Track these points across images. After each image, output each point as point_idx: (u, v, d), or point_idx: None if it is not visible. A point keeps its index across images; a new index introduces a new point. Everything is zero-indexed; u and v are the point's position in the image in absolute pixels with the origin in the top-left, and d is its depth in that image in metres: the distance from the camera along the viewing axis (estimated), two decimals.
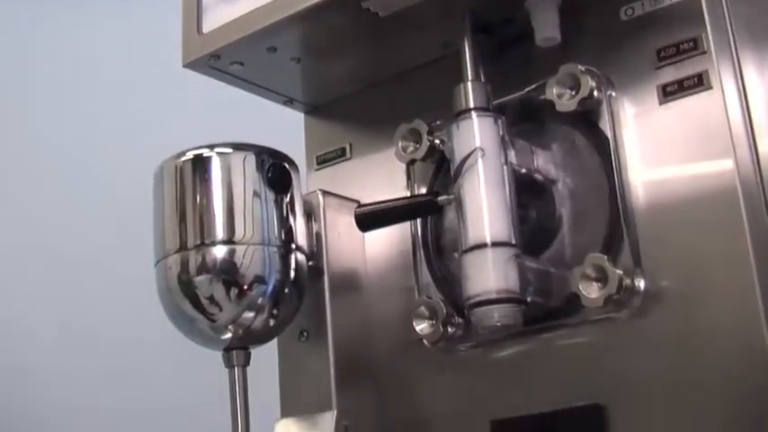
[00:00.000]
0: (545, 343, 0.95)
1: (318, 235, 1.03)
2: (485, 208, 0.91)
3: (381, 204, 0.97)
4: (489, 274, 0.89)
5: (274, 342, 1.03)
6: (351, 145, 1.12)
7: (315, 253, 1.02)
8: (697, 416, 0.87)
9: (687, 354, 0.88)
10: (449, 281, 1.00)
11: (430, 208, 0.95)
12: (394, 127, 1.03)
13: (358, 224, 0.98)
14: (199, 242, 0.94)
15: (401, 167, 1.05)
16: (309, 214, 1.02)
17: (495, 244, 0.90)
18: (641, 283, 0.91)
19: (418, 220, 1.03)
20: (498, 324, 0.90)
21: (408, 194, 1.04)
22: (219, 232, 0.94)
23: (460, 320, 0.98)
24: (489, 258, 0.90)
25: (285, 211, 0.97)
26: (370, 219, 0.97)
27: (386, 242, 1.07)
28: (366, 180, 1.09)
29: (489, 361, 0.99)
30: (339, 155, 1.12)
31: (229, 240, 0.94)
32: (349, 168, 1.12)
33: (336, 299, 1.02)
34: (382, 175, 1.07)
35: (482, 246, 0.90)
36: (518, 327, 0.91)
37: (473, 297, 0.90)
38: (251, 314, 0.94)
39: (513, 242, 0.91)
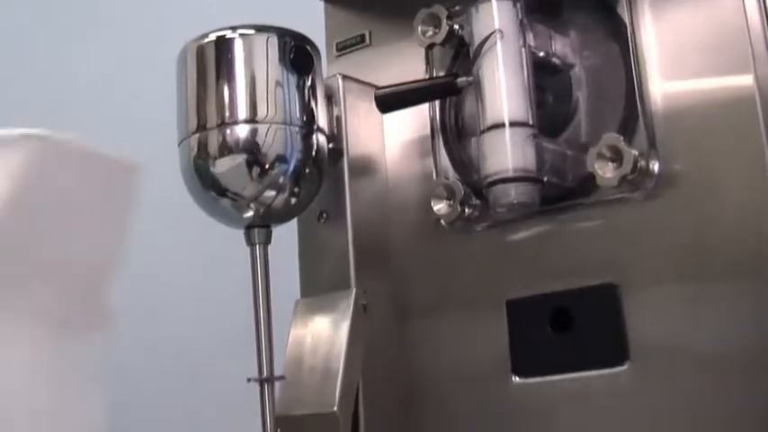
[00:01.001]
0: (560, 223, 0.97)
1: (338, 118, 1.04)
2: (503, 89, 0.92)
3: (401, 86, 0.99)
4: (507, 153, 0.91)
5: (294, 225, 1.05)
6: (370, 32, 1.13)
7: (335, 135, 1.03)
8: (706, 295, 0.89)
9: (698, 236, 0.90)
10: (467, 164, 1.02)
11: (449, 89, 0.97)
12: (413, 14, 1.04)
13: (378, 105, 0.99)
14: (221, 121, 0.95)
15: (420, 54, 1.05)
16: (330, 98, 1.03)
17: (512, 124, 0.91)
18: (655, 166, 0.92)
19: (437, 105, 1.05)
20: (515, 202, 0.92)
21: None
22: (242, 111, 0.95)
23: (477, 202, 1.00)
24: (507, 137, 0.91)
25: (307, 93, 0.98)
26: (390, 100, 0.98)
27: (405, 127, 1.08)
28: (385, 67, 1.09)
29: (505, 242, 1.00)
30: (359, 41, 1.13)
31: (252, 119, 0.95)
32: (368, 55, 1.12)
33: (356, 180, 1.04)
34: (401, 62, 1.08)
35: (500, 125, 0.92)
36: (534, 206, 0.93)
37: (491, 176, 0.92)
38: (272, 193, 0.95)
39: (531, 123, 0.92)
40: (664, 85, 0.93)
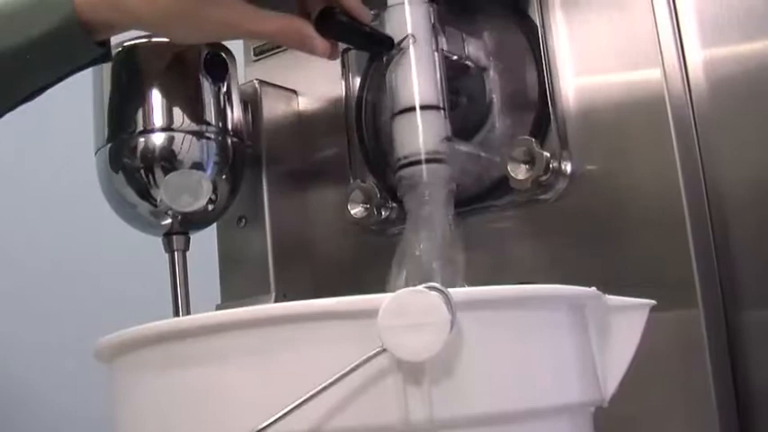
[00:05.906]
0: (474, 226, 0.98)
1: (256, 123, 1.05)
2: (416, 93, 0.91)
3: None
4: (420, 148, 0.90)
5: (214, 229, 1.05)
6: None
7: (252, 141, 1.04)
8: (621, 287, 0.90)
9: (611, 235, 0.91)
10: (383, 166, 1.03)
11: (386, 42, 0.92)
12: None
13: (319, 19, 0.93)
14: (137, 129, 0.95)
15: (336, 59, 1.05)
16: (246, 103, 1.04)
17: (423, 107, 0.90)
18: (568, 166, 0.93)
19: (353, 108, 1.05)
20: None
21: (344, 85, 1.07)
22: (158, 119, 0.95)
23: (394, 204, 1.01)
24: (420, 131, 0.90)
25: (222, 100, 0.99)
26: (331, 20, 0.93)
27: (321, 130, 1.09)
28: (302, 71, 1.10)
29: None
30: (276, 46, 1.13)
31: (168, 127, 0.95)
32: (286, 60, 1.12)
33: (274, 185, 1.05)
34: (318, 67, 1.06)
35: (411, 109, 0.90)
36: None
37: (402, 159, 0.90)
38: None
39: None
40: (576, 85, 0.94)
